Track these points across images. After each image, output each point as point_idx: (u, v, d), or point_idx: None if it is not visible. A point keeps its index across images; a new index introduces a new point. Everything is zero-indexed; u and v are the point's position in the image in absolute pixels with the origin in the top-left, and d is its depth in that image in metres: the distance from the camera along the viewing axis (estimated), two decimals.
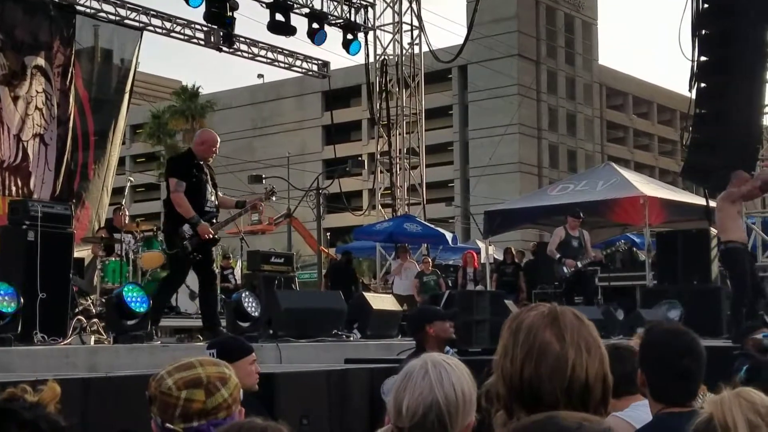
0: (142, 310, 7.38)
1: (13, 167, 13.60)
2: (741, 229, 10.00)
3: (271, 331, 8.53)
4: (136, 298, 7.41)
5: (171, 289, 8.47)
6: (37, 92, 13.95)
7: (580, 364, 1.75)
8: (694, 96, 13.40)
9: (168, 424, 2.45)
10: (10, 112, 13.47)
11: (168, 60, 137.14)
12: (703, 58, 13.25)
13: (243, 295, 8.54)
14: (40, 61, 13.86)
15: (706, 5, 13.18)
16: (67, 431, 1.70)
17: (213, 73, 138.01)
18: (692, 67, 13.25)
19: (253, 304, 8.49)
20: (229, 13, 16.31)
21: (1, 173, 13.41)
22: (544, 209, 16.88)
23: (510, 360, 1.79)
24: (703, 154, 13.42)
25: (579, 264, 12.64)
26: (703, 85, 13.27)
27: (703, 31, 13.28)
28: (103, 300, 10.40)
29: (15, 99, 13.53)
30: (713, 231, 13.45)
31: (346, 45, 18.60)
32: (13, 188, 13.30)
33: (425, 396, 2.20)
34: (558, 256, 12.67)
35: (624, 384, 3.15)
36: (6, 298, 6.69)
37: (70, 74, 14.48)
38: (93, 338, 7.12)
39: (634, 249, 18.39)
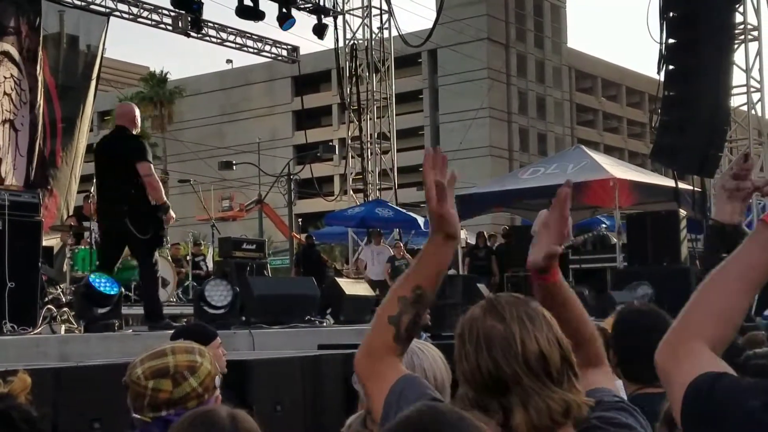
0: (113, 292, 7.30)
1: None
2: (720, 210, 10.09)
3: (243, 318, 8.50)
4: (104, 284, 7.32)
5: (156, 274, 8.14)
6: (5, 78, 13.73)
7: (528, 336, 1.78)
8: (662, 78, 13.49)
9: (136, 415, 2.43)
10: None
11: (135, 46, 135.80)
12: (671, 41, 13.34)
13: (208, 286, 8.45)
14: (7, 46, 13.65)
15: None
16: (38, 422, 1.69)
17: (181, 58, 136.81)
18: (660, 49, 13.34)
19: (221, 294, 8.34)
20: None
21: None
22: (515, 192, 16.94)
23: (465, 359, 1.82)
24: (671, 136, 13.52)
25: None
26: (671, 67, 13.36)
27: (671, 14, 13.36)
28: (73, 288, 10.32)
29: None
30: (682, 212, 13.59)
31: (318, 31, 18.48)
32: None
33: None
34: None
35: None
36: None
37: (39, 60, 14.27)
38: (63, 327, 7.05)
39: (607, 233, 18.53)
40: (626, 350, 3.07)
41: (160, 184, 7.78)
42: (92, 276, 7.49)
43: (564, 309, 1.96)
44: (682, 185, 15.41)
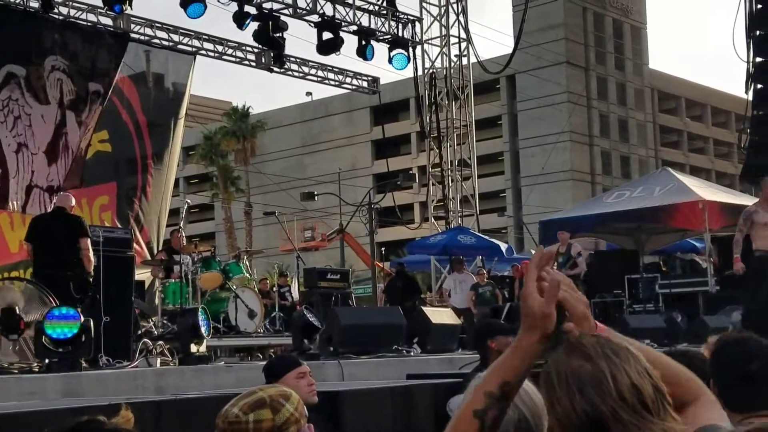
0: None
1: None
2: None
3: (331, 348, 8.55)
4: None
5: None
6: (94, 116, 14.29)
7: (618, 371, 1.75)
8: (750, 97, 13.19)
9: None
10: (76, 137, 13.78)
11: (217, 81, 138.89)
12: (758, 59, 13.05)
13: (304, 310, 8.66)
14: (99, 87, 14.19)
15: (759, 6, 12.97)
16: None
17: (262, 92, 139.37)
18: (747, 68, 13.05)
19: (315, 318, 8.61)
20: (278, 34, 16.47)
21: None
22: (600, 217, 16.69)
23: (558, 403, 1.79)
24: (762, 156, 13.18)
25: None
26: (759, 86, 13.06)
27: (758, 32, 13.08)
28: (165, 321, 10.55)
29: (79, 124, 13.84)
30: None
31: (391, 60, 18.60)
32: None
33: (511, 413, 2.20)
34: None
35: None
36: (70, 322, 6.82)
37: (109, 94, 14.74)
38: (159, 360, 7.21)
39: (695, 256, 18.07)
40: (725, 378, 3.00)
41: None
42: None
43: None
44: None
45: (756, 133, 13.21)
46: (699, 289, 14.71)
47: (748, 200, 17.01)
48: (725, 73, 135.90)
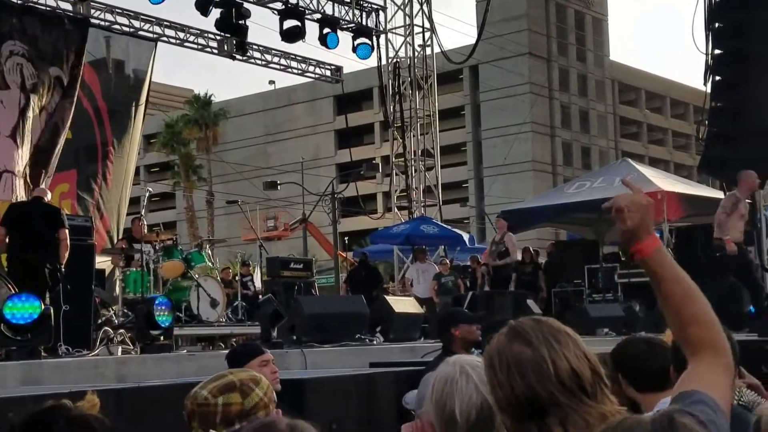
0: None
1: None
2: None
3: (294, 337, 8.56)
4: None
5: None
6: (55, 103, 14.06)
7: (558, 356, 1.80)
8: (709, 89, 13.32)
9: (212, 430, 2.49)
10: (36, 123, 13.56)
11: (179, 69, 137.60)
12: (717, 51, 13.18)
13: (270, 298, 8.66)
14: (59, 71, 13.97)
15: None
16: (114, 431, 1.78)
17: (224, 80, 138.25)
18: (706, 60, 13.18)
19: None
20: (241, 21, 16.35)
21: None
22: (561, 207, 16.84)
23: (499, 387, 1.84)
24: (720, 148, 13.35)
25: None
26: (718, 78, 13.20)
27: (716, 24, 13.21)
28: (125, 310, 10.48)
29: (41, 110, 13.61)
30: None
31: (356, 49, 18.57)
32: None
33: (474, 399, 2.23)
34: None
35: (657, 379, 3.15)
36: (30, 308, 6.75)
37: (77, 84, 14.50)
38: (120, 349, 7.16)
39: None
40: (686, 364, 3.04)
41: None
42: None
43: (664, 284, 1.91)
44: None
45: (714, 125, 13.35)
46: None
47: (706, 191, 17.27)
48: (684, 65, 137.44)
